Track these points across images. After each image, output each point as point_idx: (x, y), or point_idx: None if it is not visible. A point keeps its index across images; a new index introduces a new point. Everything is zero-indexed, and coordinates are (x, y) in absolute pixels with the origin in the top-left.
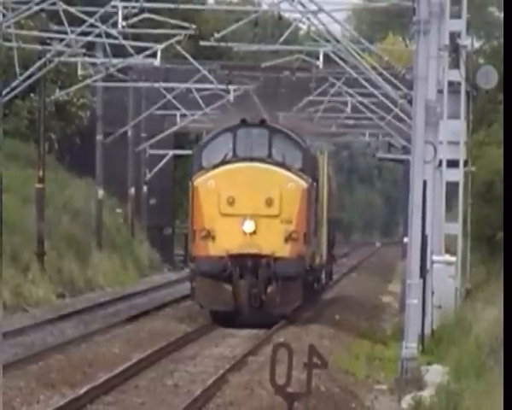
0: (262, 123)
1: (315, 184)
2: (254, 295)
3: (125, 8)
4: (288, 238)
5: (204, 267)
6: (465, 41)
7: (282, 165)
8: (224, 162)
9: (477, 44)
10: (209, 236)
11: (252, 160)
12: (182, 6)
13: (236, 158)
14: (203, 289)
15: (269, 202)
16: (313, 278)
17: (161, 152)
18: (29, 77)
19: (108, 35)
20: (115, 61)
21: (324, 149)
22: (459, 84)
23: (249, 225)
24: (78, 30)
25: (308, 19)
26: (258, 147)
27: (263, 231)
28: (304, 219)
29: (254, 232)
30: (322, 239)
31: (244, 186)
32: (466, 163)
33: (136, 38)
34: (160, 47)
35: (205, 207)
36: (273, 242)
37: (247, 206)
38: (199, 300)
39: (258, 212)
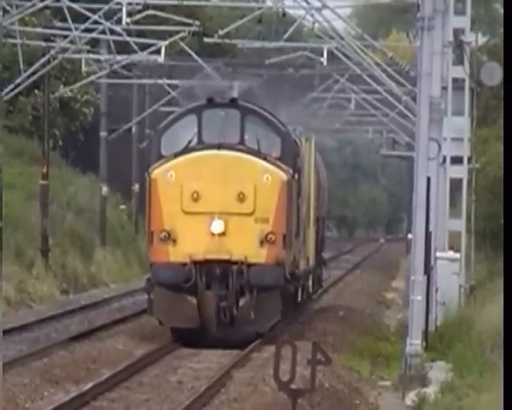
0: (232, 102)
1: (297, 175)
2: (224, 309)
3: (129, 4)
4: (265, 241)
5: (163, 276)
6: (469, 38)
7: (256, 153)
8: (187, 150)
9: (482, 41)
10: (169, 238)
11: (220, 147)
12: (186, 2)
13: (202, 145)
14: (162, 302)
15: (241, 198)
16: (295, 288)
17: None
18: (33, 73)
19: (112, 32)
20: (119, 57)
21: (311, 135)
22: (463, 80)
23: (217, 226)
24: (82, 27)
25: (312, 16)
26: (228, 131)
27: (234, 232)
28: (283, 218)
29: (224, 234)
30: (308, 241)
31: (211, 179)
32: (470, 160)
33: (141, 34)
34: (164, 44)
35: (164, 204)
36: (246, 245)
37: (215, 202)
38: (157, 315)
39: (229, 209)
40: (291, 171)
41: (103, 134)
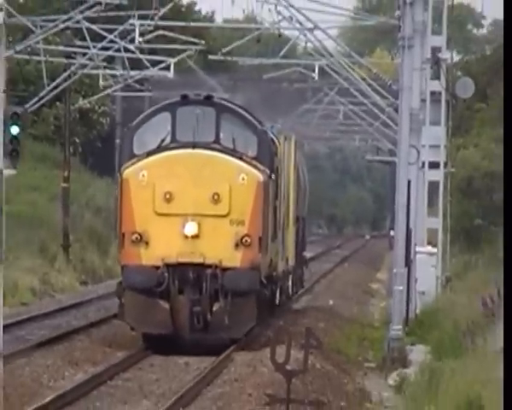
0: (207, 99)
1: (274, 175)
2: (197, 314)
3: (142, 25)
4: (240, 244)
5: (134, 280)
6: (445, 55)
7: (232, 152)
8: (160, 149)
9: (456, 58)
10: (141, 241)
11: (194, 146)
12: (192, 24)
13: (176, 143)
14: (134, 306)
15: (215, 199)
16: (272, 292)
17: None
18: (56, 87)
19: (127, 50)
20: (133, 73)
21: (291, 134)
22: (440, 93)
23: (191, 228)
24: (100, 45)
25: (305, 36)
26: (203, 129)
27: (208, 234)
28: (259, 220)
29: (197, 236)
30: (287, 241)
31: (185, 179)
32: (446, 164)
33: (152, 52)
34: (173, 61)
35: (136, 205)
36: (221, 248)
37: (189, 203)
38: (128, 320)
39: (203, 211)
40: (268, 171)
41: (118, 141)
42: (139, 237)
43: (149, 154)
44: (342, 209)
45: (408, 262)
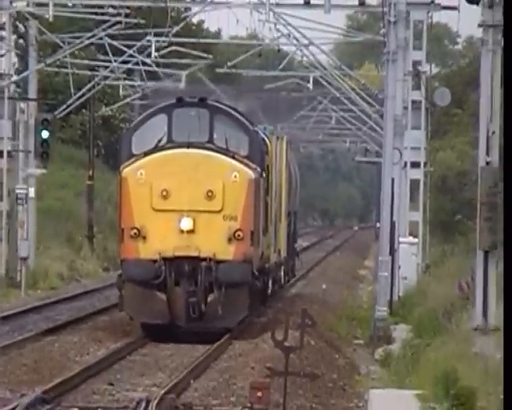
0: (202, 101)
1: (265, 173)
2: (193, 304)
3: (157, 42)
4: (233, 238)
5: (133, 272)
6: (425, 68)
7: (225, 151)
8: (157, 149)
9: (435, 71)
10: (139, 235)
11: (189, 145)
12: (202, 41)
13: (172, 143)
14: (133, 297)
15: (209, 196)
16: (264, 282)
17: None
18: (81, 96)
19: (144, 63)
20: (149, 84)
21: (283, 134)
22: (420, 102)
23: (186, 223)
24: (120, 59)
25: (301, 51)
26: (198, 130)
27: (202, 229)
28: (251, 216)
29: (192, 231)
30: (279, 234)
31: (180, 177)
32: (425, 164)
33: (166, 65)
34: (184, 73)
35: (134, 202)
36: (214, 242)
37: (184, 200)
38: (128, 310)
39: (197, 207)
40: (259, 169)
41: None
42: (137, 232)
43: (147, 153)
44: (334, 204)
45: (392, 251)
